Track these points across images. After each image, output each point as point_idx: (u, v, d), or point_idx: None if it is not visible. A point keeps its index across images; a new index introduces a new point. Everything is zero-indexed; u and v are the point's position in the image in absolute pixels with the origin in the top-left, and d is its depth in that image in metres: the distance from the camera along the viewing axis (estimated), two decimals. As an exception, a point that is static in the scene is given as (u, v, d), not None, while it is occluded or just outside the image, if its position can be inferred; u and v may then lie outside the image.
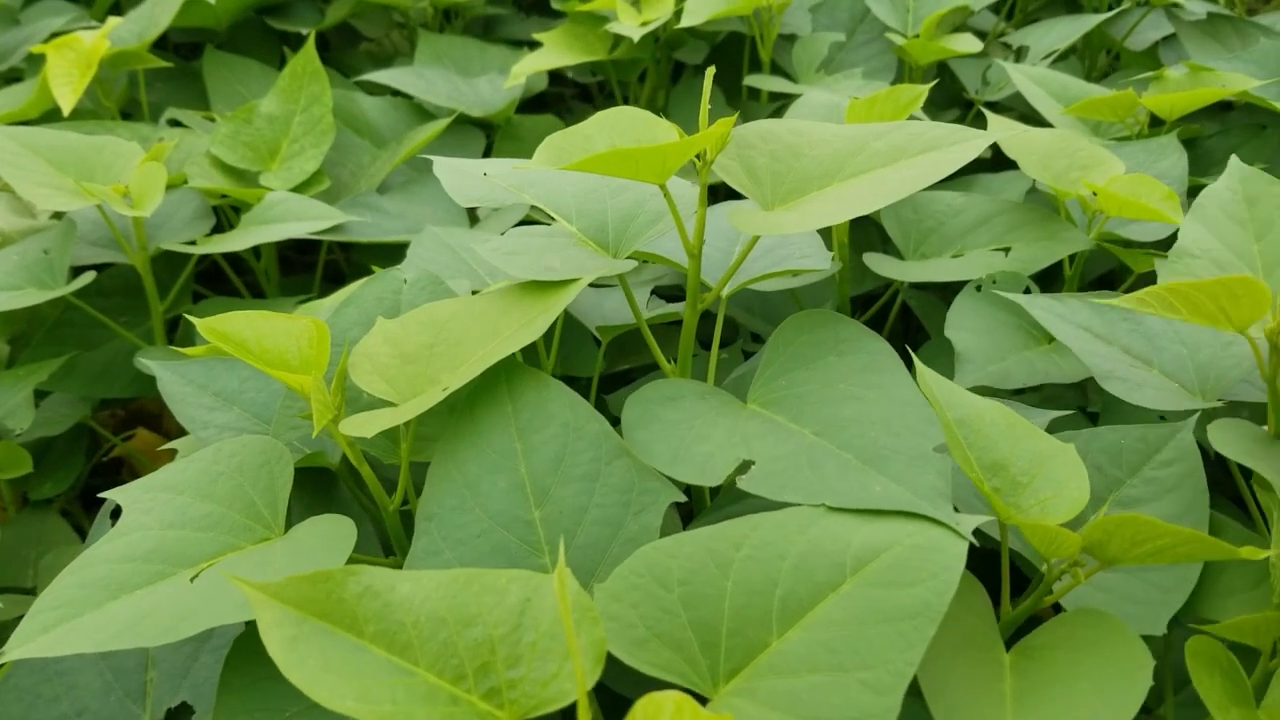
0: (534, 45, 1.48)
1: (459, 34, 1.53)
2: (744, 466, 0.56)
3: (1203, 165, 1.17)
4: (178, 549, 0.57)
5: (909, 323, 1.25)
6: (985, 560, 0.77)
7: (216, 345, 0.83)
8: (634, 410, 0.60)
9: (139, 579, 0.55)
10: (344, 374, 0.66)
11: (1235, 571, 0.66)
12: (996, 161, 1.27)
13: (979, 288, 0.95)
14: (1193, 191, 1.08)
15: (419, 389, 0.62)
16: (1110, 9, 1.41)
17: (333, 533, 0.56)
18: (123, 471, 1.23)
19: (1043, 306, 0.83)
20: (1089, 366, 0.78)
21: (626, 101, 1.45)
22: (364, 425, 0.60)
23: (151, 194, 0.98)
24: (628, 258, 0.69)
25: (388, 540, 0.72)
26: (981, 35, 1.51)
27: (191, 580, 0.54)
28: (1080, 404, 1.05)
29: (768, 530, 0.52)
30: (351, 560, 0.56)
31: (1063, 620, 0.57)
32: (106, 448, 1.17)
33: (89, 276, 0.99)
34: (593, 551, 0.56)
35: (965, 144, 0.59)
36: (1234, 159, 0.86)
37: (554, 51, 1.32)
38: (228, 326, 0.63)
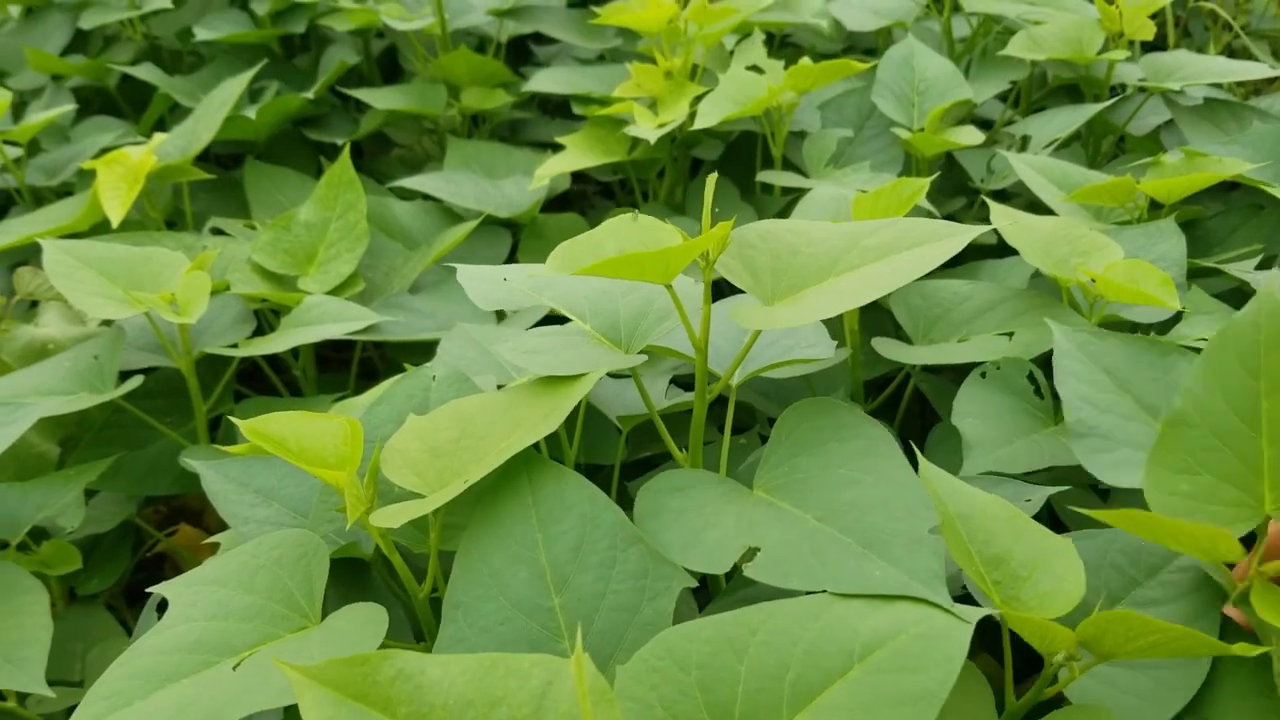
0: (557, 148, 1.55)
1: (486, 139, 1.60)
2: (750, 553, 0.59)
3: (1204, 245, 1.21)
4: (221, 639, 0.61)
5: (925, 404, 1.28)
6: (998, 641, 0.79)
7: (257, 444, 0.88)
8: (645, 501, 0.64)
9: (185, 669, 0.59)
10: (376, 469, 0.70)
11: (1250, 674, 0.66)
12: (1002, 247, 1.31)
13: (984, 374, 0.98)
14: (1194, 273, 1.11)
15: (446, 481, 0.66)
16: (1112, 95, 1.46)
17: (366, 620, 0.59)
18: (165, 566, 1.28)
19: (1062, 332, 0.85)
20: (1067, 419, 0.79)
21: (646, 198, 1.51)
22: (393, 517, 0.63)
23: (197, 301, 1.03)
24: (639, 353, 0.74)
25: (418, 626, 0.75)
26: (989, 124, 1.56)
27: (234, 669, 0.58)
28: (1092, 480, 1.07)
29: (782, 617, 0.55)
30: (384, 646, 0.59)
31: (1062, 714, 0.60)
32: (150, 543, 1.21)
33: (136, 381, 1.04)
34: (610, 636, 0.59)
35: (951, 239, 0.64)
36: (1264, 289, 0.73)
37: (576, 154, 1.38)
38: (268, 427, 0.67)
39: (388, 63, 1.84)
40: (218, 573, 0.66)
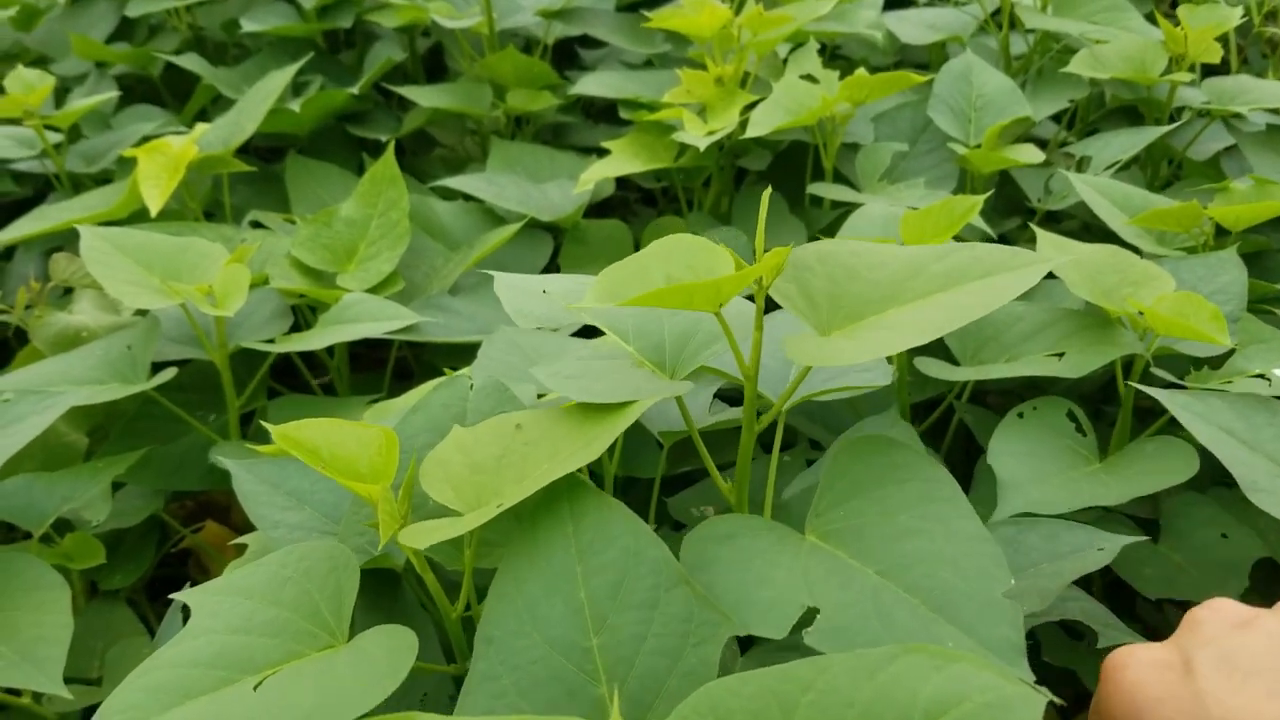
0: (601, 152, 1.52)
1: (529, 141, 1.58)
2: (809, 613, 0.56)
3: (1270, 278, 1.16)
4: (243, 655, 0.58)
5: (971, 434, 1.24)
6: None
7: (289, 449, 0.86)
8: (692, 550, 0.60)
9: (203, 685, 0.56)
10: (411, 482, 0.67)
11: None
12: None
13: (1021, 414, 0.94)
14: (1254, 307, 1.07)
15: (484, 499, 0.63)
16: (1171, 119, 1.42)
17: (396, 645, 0.56)
18: (189, 563, 1.26)
19: (1181, 404, 0.81)
20: (1235, 476, 0.75)
21: (691, 207, 1.48)
22: (424, 536, 0.61)
23: (235, 294, 1.01)
24: (685, 379, 0.70)
25: (449, 644, 0.73)
26: (1042, 143, 1.52)
27: (255, 688, 0.55)
28: (1151, 514, 1.03)
29: (836, 674, 0.51)
30: (414, 669, 0.56)
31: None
32: (175, 539, 1.19)
33: (170, 373, 1.03)
34: (650, 683, 0.55)
35: (1027, 269, 0.60)
36: None
37: (621, 159, 1.35)
38: (300, 434, 0.65)
39: (431, 61, 1.82)
40: (242, 582, 0.64)
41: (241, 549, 0.86)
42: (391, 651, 0.56)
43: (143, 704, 0.55)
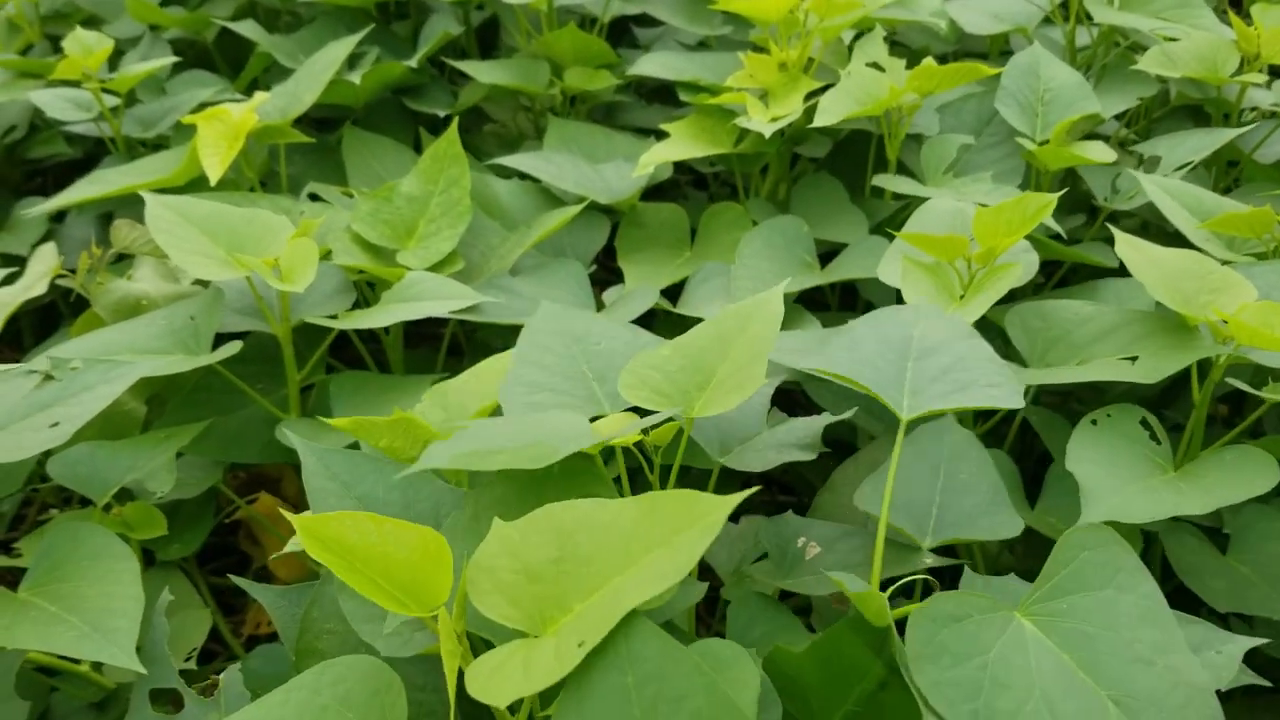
0: (657, 134, 1.50)
1: (582, 119, 1.56)
2: None
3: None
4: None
5: (1032, 440, 1.23)
6: None
7: (356, 433, 0.84)
8: (920, 633, 0.59)
9: None
10: (465, 596, 0.59)
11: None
12: (1125, 266, 1.25)
13: (1094, 421, 0.93)
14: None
15: (548, 615, 0.56)
16: (1229, 116, 1.40)
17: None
18: (240, 533, 1.26)
19: None
20: None
21: (747, 194, 1.46)
22: (498, 690, 0.53)
23: (303, 270, 1.01)
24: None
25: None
26: (1103, 139, 1.50)
27: None
28: (1215, 521, 1.02)
29: None
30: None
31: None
32: (230, 509, 1.19)
33: (236, 346, 1.02)
34: None
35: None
36: None
37: (681, 143, 1.34)
38: (328, 529, 0.57)
39: (484, 35, 1.81)
40: (272, 713, 0.57)
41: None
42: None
43: None
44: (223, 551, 1.28)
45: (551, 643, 0.55)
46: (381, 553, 0.57)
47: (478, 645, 0.67)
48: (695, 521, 0.57)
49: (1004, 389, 0.76)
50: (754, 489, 0.64)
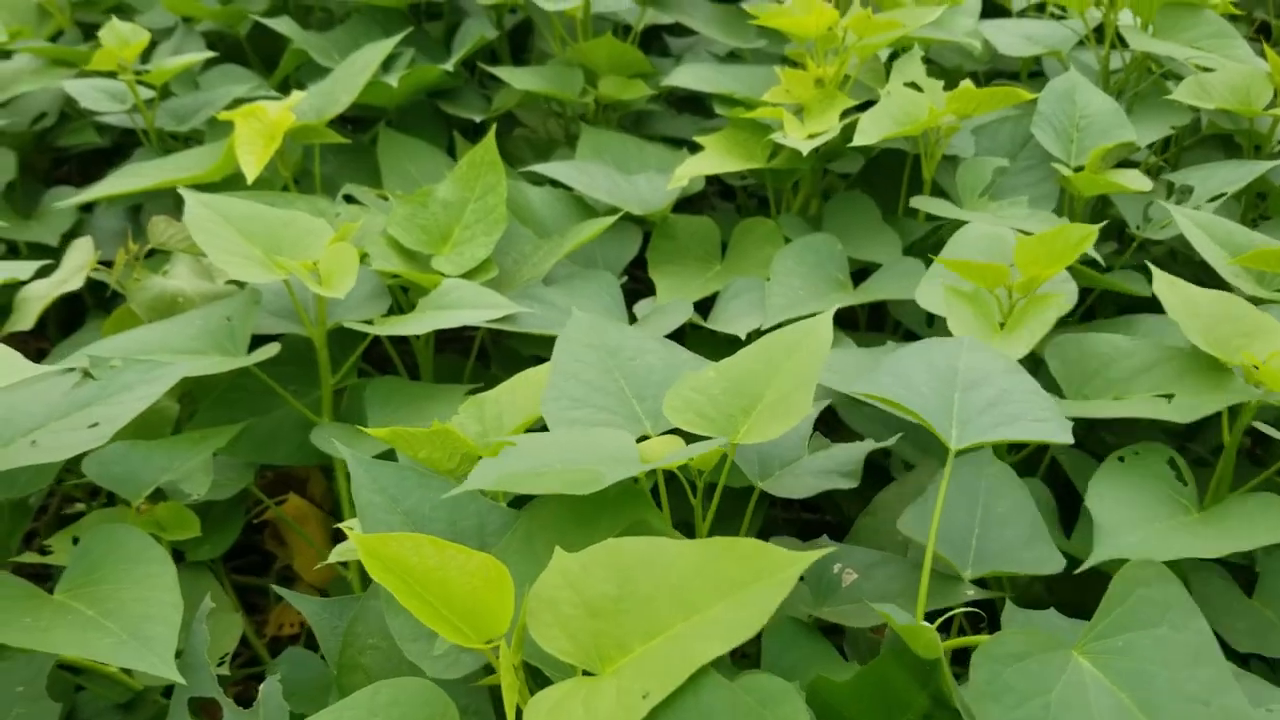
0: (689, 144, 1.50)
1: (613, 128, 1.56)
2: None
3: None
4: None
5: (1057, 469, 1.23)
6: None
7: (394, 444, 0.84)
8: (984, 672, 0.60)
9: None
10: (524, 629, 0.59)
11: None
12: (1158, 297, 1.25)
13: (1122, 459, 0.93)
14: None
15: (606, 654, 0.56)
16: (1260, 148, 1.40)
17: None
18: (266, 533, 1.26)
19: None
20: None
21: (778, 208, 1.46)
22: None
23: (342, 275, 1.01)
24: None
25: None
26: (1133, 166, 1.50)
27: None
28: (1244, 559, 1.01)
29: None
30: None
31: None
32: (258, 509, 1.19)
33: (273, 349, 1.02)
34: None
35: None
36: None
37: (716, 156, 1.34)
38: (387, 548, 0.56)
39: (517, 41, 1.80)
40: None
41: (321, 518, 0.80)
42: None
43: None
44: (249, 551, 1.28)
45: (612, 684, 0.54)
46: (441, 578, 0.57)
47: (526, 675, 0.67)
48: (762, 575, 0.57)
49: (1052, 423, 0.76)
50: (826, 550, 0.64)
